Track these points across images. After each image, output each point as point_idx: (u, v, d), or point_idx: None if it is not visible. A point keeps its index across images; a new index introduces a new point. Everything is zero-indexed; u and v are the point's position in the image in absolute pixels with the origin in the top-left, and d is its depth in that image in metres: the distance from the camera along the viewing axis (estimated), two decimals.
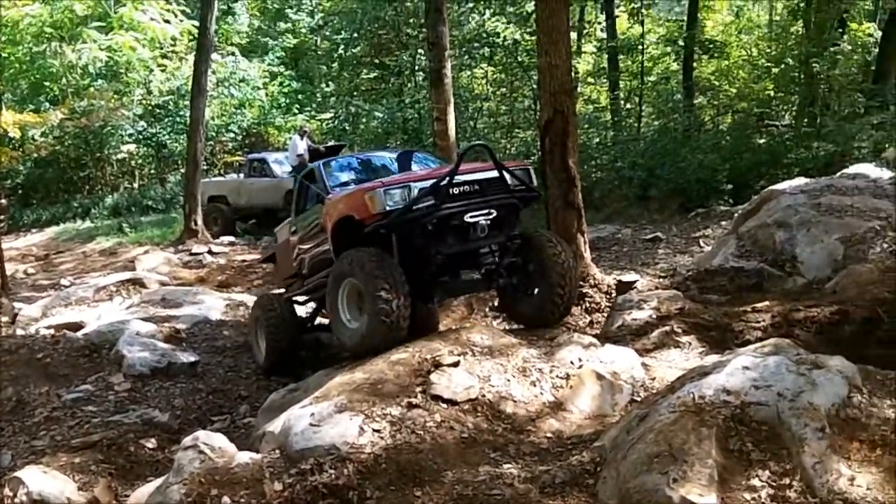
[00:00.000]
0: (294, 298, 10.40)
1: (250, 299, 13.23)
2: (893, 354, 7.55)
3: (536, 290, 8.55)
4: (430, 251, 8.04)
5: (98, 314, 12.91)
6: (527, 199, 8.63)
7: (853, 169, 12.64)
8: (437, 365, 7.17)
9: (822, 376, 5.52)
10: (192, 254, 19.36)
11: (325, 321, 9.88)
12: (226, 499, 5.83)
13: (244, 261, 18.26)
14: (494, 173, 8.13)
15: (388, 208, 7.70)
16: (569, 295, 8.53)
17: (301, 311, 10.60)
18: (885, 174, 11.83)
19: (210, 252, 19.44)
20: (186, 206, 21.70)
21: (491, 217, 8.06)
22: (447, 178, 7.79)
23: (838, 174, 12.30)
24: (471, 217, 7.96)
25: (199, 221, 21.39)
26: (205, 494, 5.88)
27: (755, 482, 4.97)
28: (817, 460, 4.96)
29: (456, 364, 7.19)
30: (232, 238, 21.57)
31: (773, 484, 4.94)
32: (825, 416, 5.20)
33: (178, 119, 31.03)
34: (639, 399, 7.04)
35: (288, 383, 8.96)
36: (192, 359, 10.44)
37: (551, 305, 8.45)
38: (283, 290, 10.75)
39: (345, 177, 9.53)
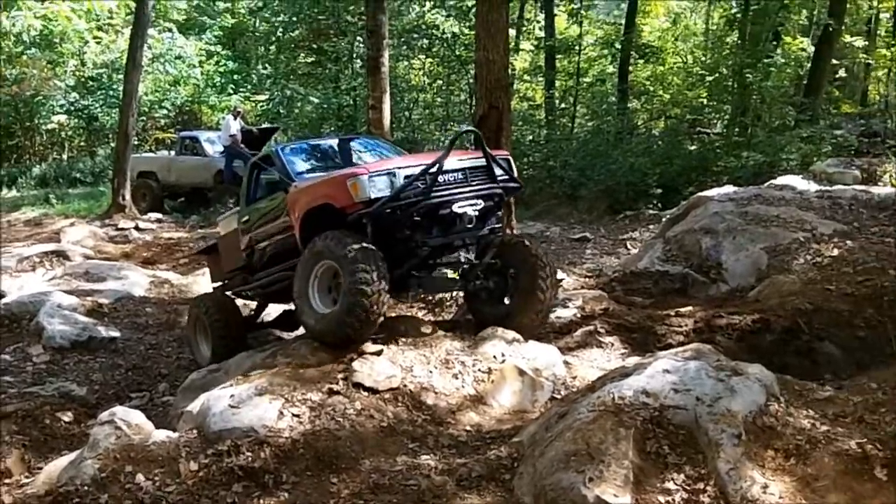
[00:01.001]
0: (235, 294, 9.84)
1: (176, 277, 13.10)
2: (811, 365, 7.73)
3: (511, 299, 8.17)
4: (414, 242, 7.64)
5: (20, 284, 12.67)
6: (510, 191, 8.32)
7: (781, 180, 12.90)
8: (360, 353, 7.15)
9: (740, 383, 5.61)
10: (118, 229, 18.99)
11: (270, 319, 9.78)
12: (140, 476, 5.76)
13: (171, 238, 17.99)
14: (480, 161, 7.85)
15: (372, 196, 7.27)
16: (547, 310, 8.24)
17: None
18: (812, 186, 12.09)
19: (137, 228, 19.10)
20: (115, 180, 21.20)
21: (479, 208, 7.74)
22: (436, 166, 7.42)
23: (766, 184, 12.53)
24: (459, 207, 7.60)
25: (128, 197, 20.95)
26: (119, 471, 5.80)
27: (670, 485, 5.03)
28: (732, 466, 5.03)
29: (379, 353, 7.18)
30: (160, 215, 21.22)
31: (688, 487, 5.01)
32: (742, 423, 5.28)
33: (111, 92, 30.33)
34: (559, 397, 7.08)
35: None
36: (114, 334, 10.28)
37: (529, 317, 8.03)
38: (219, 285, 10.07)
39: (303, 164, 8.95)
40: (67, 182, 28.77)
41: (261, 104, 29.73)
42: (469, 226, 7.69)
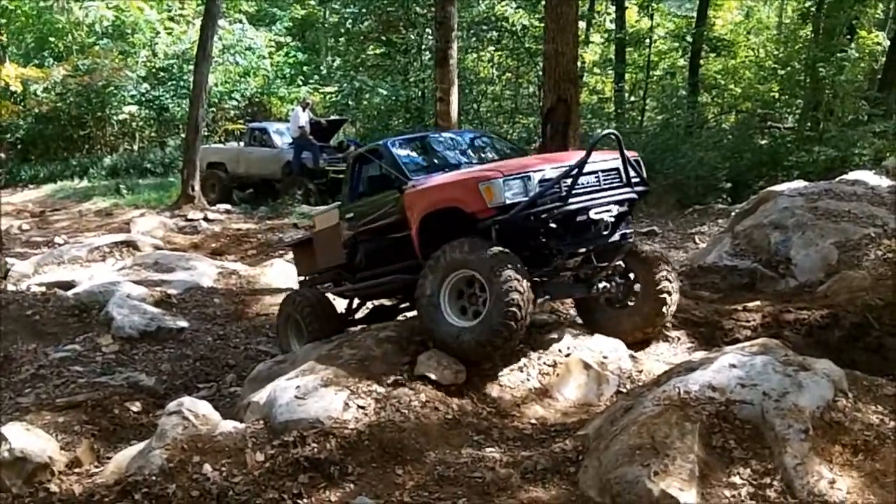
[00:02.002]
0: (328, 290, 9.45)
1: (243, 268, 13.22)
2: (881, 361, 7.60)
3: (632, 303, 7.94)
4: (548, 250, 7.19)
5: (90, 274, 12.83)
6: (642, 194, 7.82)
7: (853, 175, 12.63)
8: (426, 346, 7.16)
9: (808, 378, 5.55)
10: (187, 219, 19.27)
11: (362, 314, 9.42)
12: (207, 466, 5.82)
13: (239, 229, 18.20)
14: (613, 163, 7.43)
15: (507, 201, 6.80)
16: (669, 311, 7.92)
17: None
18: (884, 182, 11.83)
19: (206, 219, 19.36)
20: (185, 171, 21.56)
21: (614, 214, 7.36)
22: (576, 170, 6.93)
23: (837, 179, 12.29)
24: (595, 213, 7.18)
25: (197, 187, 21.27)
26: (186, 461, 5.87)
27: (736, 479, 5.00)
28: (799, 461, 4.98)
29: None
30: (228, 206, 21.47)
31: (754, 482, 4.97)
32: (809, 418, 5.23)
33: (181, 83, 30.83)
34: (625, 391, 7.05)
35: (276, 355, 8.96)
36: (182, 324, 10.36)
37: (654, 320, 7.85)
38: (307, 279, 9.70)
39: (416, 161, 8.43)
40: (138, 172, 29.28)
41: (329, 96, 29.93)
42: (604, 233, 7.38)
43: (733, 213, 12.63)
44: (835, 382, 5.61)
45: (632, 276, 7.90)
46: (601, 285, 7.75)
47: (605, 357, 7.42)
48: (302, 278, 9.82)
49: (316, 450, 5.91)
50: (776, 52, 24.28)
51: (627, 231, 7.70)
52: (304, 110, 21.39)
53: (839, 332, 8.03)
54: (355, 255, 8.47)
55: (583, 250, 7.47)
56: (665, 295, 7.75)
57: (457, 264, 6.89)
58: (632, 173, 7.49)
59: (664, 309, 7.80)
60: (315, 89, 31.03)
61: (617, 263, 7.76)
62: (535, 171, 6.96)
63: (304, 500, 5.63)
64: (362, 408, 6.33)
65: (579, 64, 16.42)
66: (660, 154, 18.74)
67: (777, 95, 21.96)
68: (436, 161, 8.56)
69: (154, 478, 5.74)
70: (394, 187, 7.79)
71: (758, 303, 8.85)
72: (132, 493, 5.66)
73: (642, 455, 5.15)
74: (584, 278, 7.76)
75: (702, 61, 24.73)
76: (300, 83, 32.67)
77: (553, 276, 7.54)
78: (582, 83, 23.58)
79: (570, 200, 6.97)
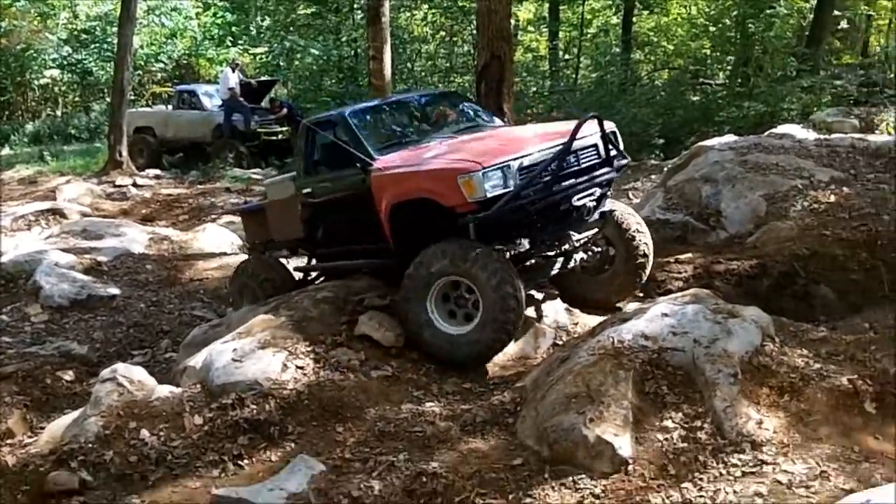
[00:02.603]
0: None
1: (175, 234, 13.04)
2: (807, 308, 7.83)
3: (609, 269, 7.87)
4: (533, 242, 7.05)
5: (15, 244, 12.50)
6: (621, 169, 7.67)
7: (781, 129, 12.88)
8: (365, 307, 7.17)
9: (737, 325, 5.70)
10: (115, 186, 18.86)
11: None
12: (144, 431, 5.79)
13: (170, 195, 17.89)
14: (590, 140, 7.14)
15: (487, 195, 6.44)
16: (648, 270, 7.89)
17: None
18: (811, 135, 12.06)
19: (135, 185, 18.96)
20: (111, 136, 21.01)
21: (596, 196, 7.15)
22: (558, 158, 6.65)
23: (766, 133, 12.50)
24: (577, 200, 6.92)
25: (125, 153, 20.77)
26: (123, 427, 5.82)
27: (668, 424, 5.13)
28: (728, 404, 5.13)
29: (385, 307, 7.18)
30: (158, 171, 21.07)
31: (686, 426, 5.10)
32: (738, 363, 5.38)
33: (105, 46, 30.05)
34: (561, 343, 7.16)
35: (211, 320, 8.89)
36: (113, 291, 10.17)
37: (633, 284, 7.82)
38: (257, 245, 9.37)
39: (379, 134, 7.92)
40: (62, 139, 28.63)
41: (260, 56, 29.48)
42: (586, 218, 7.21)
43: (666, 169, 12.77)
44: (763, 328, 5.78)
45: (607, 242, 7.80)
46: (579, 257, 7.58)
47: (541, 311, 7.49)
48: (251, 244, 9.59)
49: (255, 411, 5.90)
50: (707, 10, 24.47)
51: (606, 209, 7.54)
52: (233, 72, 21.12)
53: (767, 281, 8.22)
54: (314, 229, 8.22)
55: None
56: (642, 259, 7.73)
57: (445, 271, 6.60)
58: (610, 149, 7.29)
59: (642, 272, 7.79)
60: (244, 50, 30.51)
61: (593, 233, 7.57)
62: (514, 159, 6.61)
63: (245, 461, 5.64)
64: (301, 368, 6.33)
65: (513, 22, 16.42)
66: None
67: (708, 52, 22.26)
68: (400, 133, 8.09)
69: (90, 445, 5.69)
70: (356, 166, 7.38)
71: (689, 255, 9.00)
72: (68, 462, 5.61)
73: (578, 403, 5.25)
74: (562, 254, 7.47)
75: (635, 19, 24.92)
76: (229, 44, 32.03)
77: (540, 264, 7.41)
78: (516, 41, 23.60)
79: (554, 189, 6.70)
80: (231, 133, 20.80)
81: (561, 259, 7.45)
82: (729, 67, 21.91)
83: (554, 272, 7.60)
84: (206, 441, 5.77)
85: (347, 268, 8.10)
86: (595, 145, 7.18)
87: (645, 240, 7.76)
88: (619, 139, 7.55)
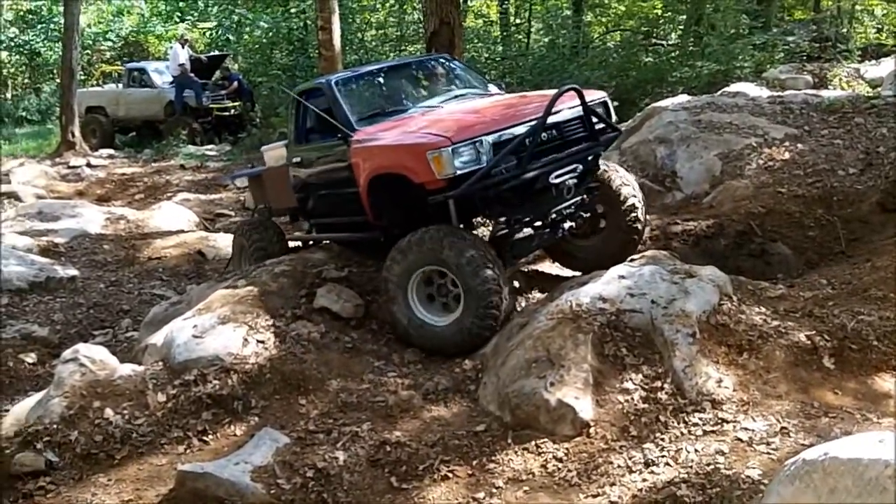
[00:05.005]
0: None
1: (132, 213, 12.96)
2: (765, 266, 7.93)
3: (601, 232, 7.61)
4: (507, 221, 6.84)
5: None
6: (610, 142, 7.40)
7: (734, 87, 12.95)
8: (324, 279, 7.16)
9: (694, 285, 5.75)
10: (69, 167, 18.71)
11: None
12: (108, 410, 5.77)
13: (124, 174, 17.79)
14: (574, 112, 6.81)
15: (457, 172, 6.19)
16: (642, 233, 7.64)
17: None
18: (764, 93, 12.16)
19: (89, 165, 18.82)
20: (63, 117, 20.85)
21: (577, 173, 6.84)
22: (533, 134, 6.38)
23: (720, 92, 12.58)
24: (556, 177, 6.63)
25: (77, 133, 20.59)
26: (87, 407, 5.80)
27: (629, 385, 5.18)
28: (687, 364, 5.18)
29: (345, 279, 7.18)
30: (111, 151, 20.96)
31: (646, 386, 5.16)
32: (696, 322, 5.43)
33: (52, 26, 29.60)
34: (519, 309, 7.17)
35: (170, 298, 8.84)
36: (72, 273, 10.12)
37: (628, 249, 7.31)
38: (263, 209, 9.23)
39: (363, 104, 7.69)
40: (13, 121, 28.27)
41: (209, 31, 28.98)
42: (567, 196, 6.84)
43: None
44: (720, 287, 5.83)
45: (598, 206, 7.52)
46: (567, 226, 7.18)
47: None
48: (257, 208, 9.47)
49: (218, 386, 5.90)
50: None
51: (593, 185, 7.29)
52: (182, 47, 20.95)
53: (724, 240, 8.32)
54: (305, 199, 8.12)
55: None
56: (636, 216, 7.47)
57: (426, 260, 6.39)
58: (597, 122, 6.97)
59: (637, 231, 7.54)
60: (193, 25, 30.02)
61: (581, 199, 7.21)
62: (486, 134, 6.34)
63: (210, 436, 5.65)
64: (262, 342, 6.33)
65: None
66: (547, 76, 18.83)
67: (660, 12, 22.20)
68: (384, 102, 7.86)
69: (55, 426, 5.66)
70: (338, 135, 7.21)
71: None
72: (34, 443, 5.58)
73: (538, 367, 5.29)
74: (549, 224, 7.13)
75: None
76: (177, 20, 31.58)
77: (522, 239, 7.16)
78: (465, 7, 23.43)
79: (528, 167, 6.42)
80: (183, 110, 20.63)
81: (547, 231, 7.15)
82: (681, 27, 21.87)
83: (540, 244, 7.47)
84: (170, 418, 5.77)
85: (336, 240, 8.04)
86: (580, 118, 6.87)
87: (637, 202, 7.48)
88: (611, 110, 7.37)
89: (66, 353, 6.35)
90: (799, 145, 9.49)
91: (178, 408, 5.83)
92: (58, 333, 8.68)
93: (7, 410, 6.50)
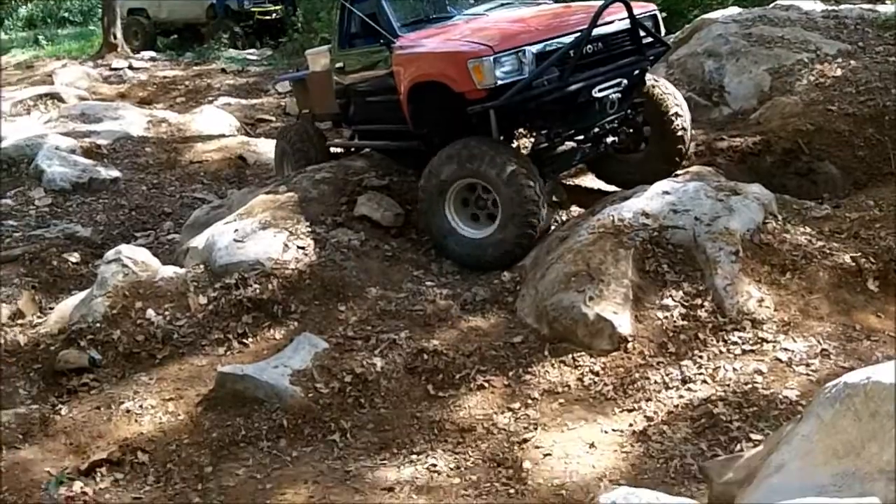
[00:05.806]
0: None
1: (173, 116, 12.94)
2: (811, 185, 7.79)
3: (646, 147, 7.41)
4: (548, 135, 6.68)
5: (15, 128, 12.43)
6: (657, 57, 7.19)
7: (787, 0, 12.57)
8: (365, 187, 7.15)
9: (739, 202, 5.68)
10: (111, 69, 18.65)
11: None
12: (150, 311, 5.87)
13: (166, 77, 17.70)
14: (622, 25, 6.61)
15: (498, 82, 6.05)
16: (687, 149, 7.44)
17: None
18: (818, 7, 11.79)
19: (130, 67, 18.74)
20: (105, 19, 20.67)
21: (622, 88, 6.64)
22: (577, 46, 6.18)
23: (772, 5, 12.19)
24: (599, 91, 6.44)
25: (119, 35, 20.47)
26: (129, 307, 5.91)
27: (668, 302, 5.17)
28: (729, 282, 5.15)
29: (385, 187, 7.17)
30: (153, 53, 20.80)
31: (686, 304, 5.15)
32: (739, 241, 5.39)
33: None
34: (560, 223, 7.12)
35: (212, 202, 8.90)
36: (115, 174, 10.19)
37: (670, 165, 7.20)
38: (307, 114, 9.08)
39: (408, 10, 7.53)
40: (56, 22, 28.20)
41: None
42: (610, 110, 6.65)
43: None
44: (765, 206, 5.76)
45: (643, 121, 7.29)
46: (609, 140, 7.08)
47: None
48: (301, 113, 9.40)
49: (258, 290, 5.96)
50: None
51: (639, 100, 7.11)
52: None
53: (771, 158, 8.14)
54: (347, 105, 8.02)
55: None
56: (681, 132, 7.27)
57: (456, 175, 6.35)
58: (644, 36, 6.76)
59: (681, 147, 7.34)
60: None
61: (625, 113, 7.05)
62: (530, 45, 6.18)
63: (250, 339, 5.74)
64: (302, 248, 6.36)
65: None
66: None
67: None
68: (429, 8, 7.66)
69: (98, 325, 5.79)
70: (382, 41, 7.07)
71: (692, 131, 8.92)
72: (77, 341, 5.73)
73: (577, 281, 5.28)
74: (591, 138, 7.01)
75: None
76: None
77: (564, 152, 7.07)
78: None
79: (571, 79, 6.25)
80: (225, 13, 20.42)
81: (589, 145, 7.05)
82: None
83: (582, 159, 7.38)
84: (210, 320, 5.87)
85: (377, 148, 7.96)
86: (628, 31, 6.64)
87: (683, 120, 7.30)
88: (661, 24, 7.15)
89: (109, 254, 6.48)
90: (852, 62, 9.21)
91: (218, 310, 5.91)
92: (100, 234, 8.80)
93: (52, 308, 6.69)
